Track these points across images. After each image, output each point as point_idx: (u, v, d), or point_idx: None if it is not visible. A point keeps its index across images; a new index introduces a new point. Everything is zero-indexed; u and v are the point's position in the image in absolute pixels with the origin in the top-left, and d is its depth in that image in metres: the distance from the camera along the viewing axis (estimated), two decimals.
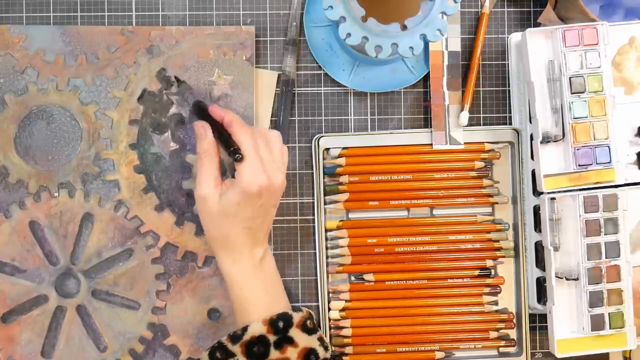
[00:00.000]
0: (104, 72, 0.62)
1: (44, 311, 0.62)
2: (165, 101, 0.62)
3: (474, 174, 0.64)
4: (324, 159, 0.64)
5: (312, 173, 0.64)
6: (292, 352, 0.55)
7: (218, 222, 0.55)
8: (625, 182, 0.60)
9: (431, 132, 0.64)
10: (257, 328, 0.55)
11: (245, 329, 0.55)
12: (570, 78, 0.59)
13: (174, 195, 0.63)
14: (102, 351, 0.62)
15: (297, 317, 0.56)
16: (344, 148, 0.64)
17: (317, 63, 0.64)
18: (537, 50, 0.60)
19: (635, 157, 0.62)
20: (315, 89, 0.65)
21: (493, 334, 0.65)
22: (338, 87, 0.65)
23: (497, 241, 0.65)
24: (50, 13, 0.63)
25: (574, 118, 0.59)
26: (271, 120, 0.64)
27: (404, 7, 0.60)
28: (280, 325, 0.55)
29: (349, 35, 0.55)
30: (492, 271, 0.65)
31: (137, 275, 0.62)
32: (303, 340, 0.55)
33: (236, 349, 0.55)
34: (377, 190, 0.64)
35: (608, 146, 0.60)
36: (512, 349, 0.65)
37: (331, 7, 0.55)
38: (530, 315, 0.65)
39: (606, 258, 0.60)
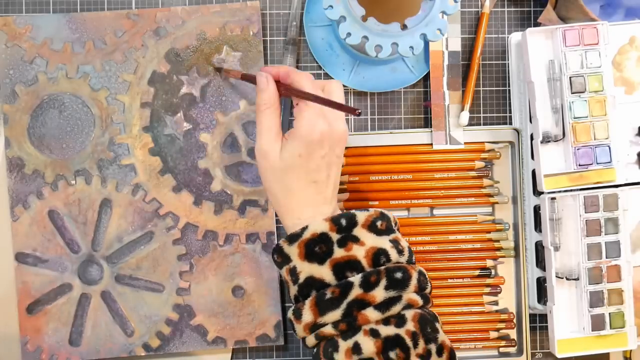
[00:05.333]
0: (112, 57, 0.62)
1: (69, 299, 0.62)
2: (176, 82, 0.63)
3: (474, 173, 0.64)
4: None
5: None
6: (358, 250, 0.50)
7: (281, 176, 0.51)
8: (626, 182, 0.60)
9: (431, 132, 0.64)
10: (319, 225, 0.50)
11: (305, 227, 0.51)
12: (570, 78, 0.59)
13: (190, 175, 0.63)
14: (130, 335, 0.62)
15: (362, 216, 0.51)
16: None
17: (317, 63, 0.64)
18: (537, 50, 0.60)
19: (635, 157, 0.61)
20: None
21: (493, 334, 0.65)
22: None
23: (498, 241, 0.65)
24: (50, 6, 0.63)
25: (575, 118, 0.59)
26: None
27: (404, 7, 0.60)
28: (343, 222, 0.51)
29: (349, 34, 0.55)
30: (493, 271, 0.65)
31: (159, 258, 0.63)
32: (371, 240, 0.50)
33: (293, 249, 0.51)
34: (377, 190, 0.64)
35: (608, 146, 0.59)
36: (512, 349, 0.65)
37: (331, 6, 0.55)
38: (530, 315, 0.65)
39: (606, 258, 0.60)
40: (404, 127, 0.65)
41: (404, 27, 0.55)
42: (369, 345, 0.48)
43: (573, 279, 0.60)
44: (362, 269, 0.50)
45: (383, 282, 0.49)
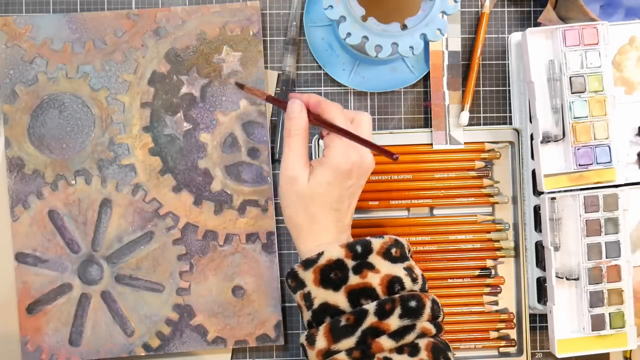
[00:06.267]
0: (112, 57, 0.62)
1: (69, 299, 0.62)
2: (176, 82, 0.63)
3: (474, 173, 0.64)
4: None
5: None
6: (373, 277, 0.50)
7: (307, 203, 0.52)
8: (626, 182, 0.60)
9: (431, 132, 0.64)
10: (335, 251, 0.50)
11: (321, 253, 0.51)
12: (570, 78, 0.59)
13: (190, 175, 0.63)
14: (130, 335, 0.62)
15: (377, 243, 0.51)
16: None
17: (317, 63, 0.64)
18: (537, 50, 0.60)
19: (635, 157, 0.61)
20: (315, 88, 0.65)
21: (493, 334, 0.65)
22: (338, 87, 0.65)
23: (498, 241, 0.64)
24: (50, 6, 0.63)
25: (575, 118, 0.59)
26: (271, 120, 0.64)
27: (404, 7, 0.60)
28: (358, 249, 0.51)
29: (349, 34, 0.55)
30: (493, 271, 0.65)
31: (159, 258, 0.63)
32: (386, 267, 0.51)
33: (308, 275, 0.51)
34: (377, 190, 0.64)
35: (608, 146, 0.59)
36: (512, 349, 0.65)
37: (331, 6, 0.55)
38: (530, 315, 0.65)
39: (606, 258, 0.60)
40: (404, 127, 0.65)
41: (404, 27, 0.55)
42: None
43: (573, 279, 0.60)
44: (377, 297, 0.50)
45: (397, 311, 0.49)
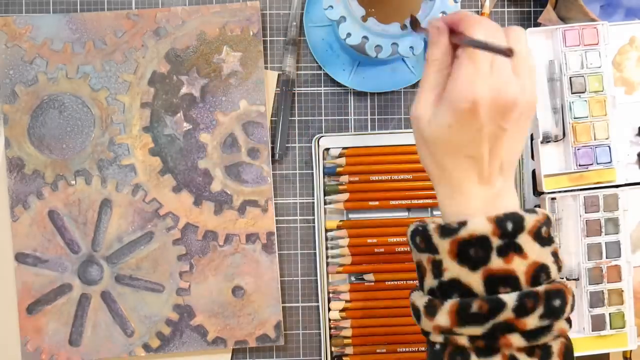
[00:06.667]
0: (112, 57, 0.62)
1: (69, 300, 0.62)
2: (176, 82, 0.63)
3: None
4: (324, 159, 0.64)
5: (312, 173, 0.64)
6: (519, 264, 0.42)
7: (431, 149, 0.44)
8: (626, 182, 0.60)
9: None
10: (480, 225, 0.42)
11: (463, 223, 0.42)
12: (570, 78, 0.59)
13: (190, 176, 0.63)
14: (130, 336, 0.62)
15: (530, 220, 0.42)
16: (344, 148, 0.64)
17: (317, 63, 0.64)
18: (537, 50, 0.60)
19: (635, 157, 0.61)
20: (315, 89, 0.65)
21: None
22: (338, 87, 0.65)
23: None
24: (50, 6, 0.63)
25: (575, 118, 0.59)
26: (271, 120, 0.64)
27: (404, 7, 0.59)
28: (509, 227, 0.42)
29: (349, 35, 0.55)
30: None
31: (159, 258, 0.63)
32: (535, 251, 0.42)
33: (443, 244, 0.42)
34: (377, 190, 0.64)
35: (608, 146, 0.59)
36: None
37: (331, 6, 0.55)
38: None
39: (607, 258, 0.60)
40: (404, 127, 0.65)
41: (404, 27, 0.55)
42: None
43: (573, 279, 0.60)
44: (519, 287, 0.42)
45: (539, 310, 0.42)
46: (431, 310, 0.43)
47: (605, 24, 0.59)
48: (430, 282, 0.44)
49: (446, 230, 0.42)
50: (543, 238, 0.43)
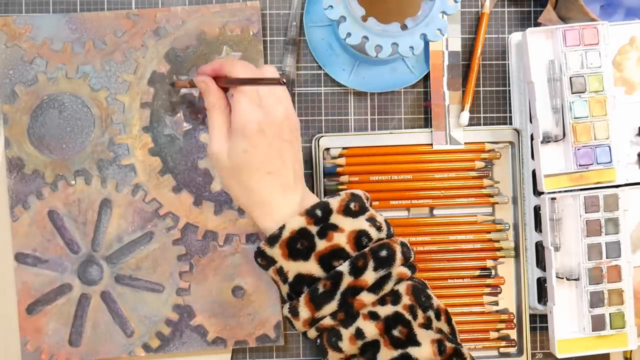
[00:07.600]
0: (112, 57, 0.62)
1: (69, 300, 0.62)
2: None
3: (474, 174, 0.64)
4: (324, 159, 0.64)
5: (312, 173, 0.64)
6: (339, 238, 0.50)
7: (236, 177, 0.51)
8: (626, 182, 0.60)
9: (431, 132, 0.64)
10: (296, 221, 0.50)
11: (282, 227, 0.50)
12: (570, 78, 0.59)
13: (190, 176, 0.63)
14: (129, 336, 0.62)
15: (335, 202, 0.51)
16: (344, 148, 0.64)
17: (317, 63, 0.64)
18: (537, 50, 0.60)
19: (635, 157, 0.61)
20: (315, 89, 0.65)
21: (493, 335, 0.65)
22: (338, 87, 0.65)
23: (498, 241, 0.64)
24: (49, 6, 0.63)
25: (575, 118, 0.59)
26: None
27: (404, 7, 0.60)
28: (318, 213, 0.50)
29: (349, 34, 0.55)
30: (493, 271, 0.65)
31: (159, 258, 0.63)
32: (348, 224, 0.50)
33: (275, 251, 0.50)
34: (377, 190, 0.64)
35: (609, 146, 0.59)
36: (512, 350, 0.65)
37: (331, 6, 0.55)
38: (530, 315, 0.65)
39: (607, 258, 0.60)
40: (404, 127, 0.65)
41: (404, 27, 0.55)
42: (370, 329, 0.49)
43: (573, 279, 0.60)
44: (347, 255, 0.50)
45: (371, 264, 0.50)
46: (294, 311, 0.51)
47: (605, 24, 0.59)
48: (284, 289, 0.52)
49: (272, 239, 0.50)
50: (353, 211, 0.51)
